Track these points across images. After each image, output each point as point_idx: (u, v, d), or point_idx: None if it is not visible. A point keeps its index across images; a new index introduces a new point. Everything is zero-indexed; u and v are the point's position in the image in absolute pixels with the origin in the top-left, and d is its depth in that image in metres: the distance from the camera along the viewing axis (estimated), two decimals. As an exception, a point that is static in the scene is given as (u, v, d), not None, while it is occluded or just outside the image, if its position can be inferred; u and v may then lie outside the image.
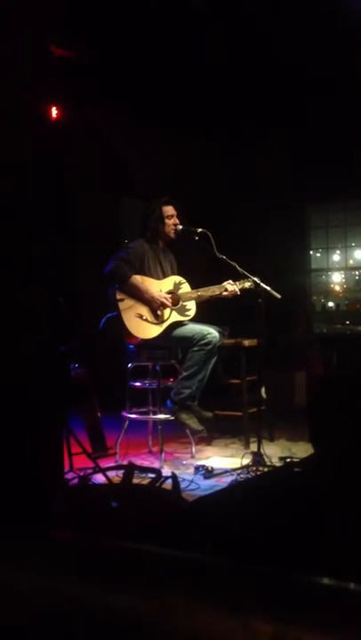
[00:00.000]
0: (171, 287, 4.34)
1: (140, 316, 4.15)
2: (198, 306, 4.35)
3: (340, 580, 0.74)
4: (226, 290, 4.31)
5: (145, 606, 0.70)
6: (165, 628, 0.69)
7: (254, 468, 3.86)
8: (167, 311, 4.23)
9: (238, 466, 3.93)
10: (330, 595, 0.71)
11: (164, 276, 4.38)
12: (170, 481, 2.99)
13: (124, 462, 4.07)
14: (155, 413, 4.41)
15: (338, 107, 6.44)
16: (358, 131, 6.53)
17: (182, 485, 3.43)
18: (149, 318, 4.18)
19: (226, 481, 3.71)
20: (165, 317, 4.22)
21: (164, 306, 4.20)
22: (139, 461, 4.24)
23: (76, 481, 3.33)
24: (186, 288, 4.37)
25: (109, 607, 0.72)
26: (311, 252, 8.19)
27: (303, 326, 6.45)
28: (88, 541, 0.90)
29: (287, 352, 6.34)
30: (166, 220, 4.35)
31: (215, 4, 4.83)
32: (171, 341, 4.24)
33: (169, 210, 4.37)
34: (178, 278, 4.40)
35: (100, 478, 3.43)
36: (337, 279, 8.43)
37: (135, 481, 3.29)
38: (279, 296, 4.09)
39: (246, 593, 0.70)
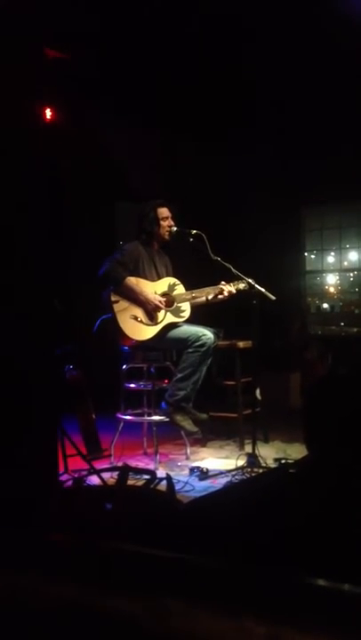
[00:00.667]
0: (165, 289, 4.34)
1: (135, 318, 4.15)
2: (193, 308, 4.36)
3: (335, 582, 0.75)
4: (221, 292, 4.31)
5: (141, 608, 0.71)
6: (161, 629, 0.69)
7: (249, 470, 3.87)
8: (162, 313, 4.24)
9: (233, 467, 3.94)
10: (324, 596, 0.71)
11: (159, 277, 4.38)
12: (165, 482, 2.99)
13: (119, 464, 4.07)
14: (149, 415, 4.41)
15: (334, 109, 6.46)
16: (354, 133, 6.55)
17: (177, 487, 3.44)
18: (144, 320, 4.18)
19: (221, 482, 3.72)
20: (160, 319, 4.23)
21: (157, 309, 4.21)
22: (133, 463, 4.25)
23: (70, 483, 3.33)
24: (180, 289, 4.38)
25: (106, 609, 0.72)
26: (306, 254, 8.20)
27: (299, 326, 6.45)
28: (84, 543, 0.91)
29: (283, 353, 6.34)
30: (161, 222, 4.37)
31: (215, 9, 4.83)
32: (165, 343, 4.25)
33: (164, 212, 4.39)
34: (172, 280, 4.40)
35: (94, 480, 3.43)
36: (331, 281, 8.45)
37: (130, 482, 3.29)
38: (274, 297, 4.10)
39: (241, 594, 0.70)
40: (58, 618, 0.74)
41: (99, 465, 3.84)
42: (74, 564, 0.82)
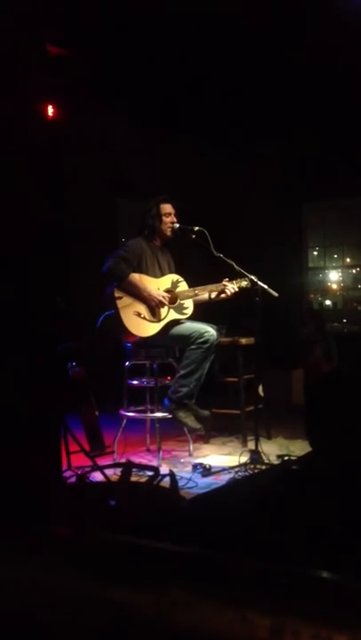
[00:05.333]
0: (168, 285, 4.34)
1: (138, 314, 4.15)
2: (196, 305, 4.36)
3: (338, 574, 0.75)
4: (223, 291, 4.31)
5: (144, 600, 0.71)
6: (164, 621, 0.69)
7: (252, 466, 3.87)
8: (165, 309, 4.23)
9: (236, 464, 3.94)
10: (327, 588, 0.71)
11: (162, 274, 4.38)
12: (168, 479, 2.99)
13: (122, 460, 4.07)
14: (152, 412, 4.41)
15: (336, 105, 6.44)
16: (356, 129, 6.54)
17: (180, 483, 3.43)
18: (147, 316, 4.18)
19: (224, 479, 3.72)
20: (163, 315, 4.23)
21: (161, 304, 4.20)
22: (137, 459, 4.25)
23: (74, 479, 3.33)
24: (183, 286, 4.38)
25: (108, 601, 0.72)
26: (308, 251, 8.19)
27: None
28: (87, 536, 0.91)
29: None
30: (164, 218, 4.36)
31: (215, 8, 4.82)
32: (168, 340, 4.25)
33: (166, 208, 4.38)
34: (175, 277, 4.40)
35: (98, 476, 3.43)
36: (334, 277, 8.43)
37: (133, 479, 3.29)
38: (276, 294, 4.09)
39: (245, 586, 0.70)
40: (59, 610, 0.75)
41: (102, 461, 3.85)
42: (77, 557, 0.82)
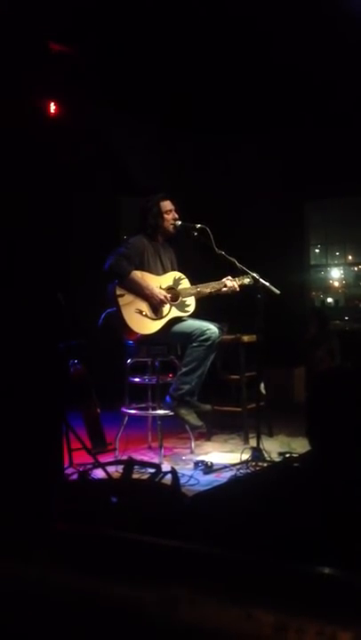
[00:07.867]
0: (170, 283, 4.33)
1: (140, 312, 4.15)
2: (198, 302, 4.36)
3: (340, 571, 0.75)
4: (225, 286, 4.31)
5: (148, 596, 0.71)
6: (168, 617, 0.69)
7: (253, 464, 3.87)
8: (167, 307, 4.23)
9: (238, 461, 3.94)
10: (331, 585, 0.71)
11: (164, 271, 4.38)
12: (169, 476, 2.99)
13: (124, 458, 4.08)
14: (154, 409, 4.41)
15: (338, 103, 6.43)
16: (357, 126, 6.53)
17: (182, 480, 3.44)
18: (149, 314, 4.18)
19: (225, 476, 3.72)
20: (165, 313, 4.22)
21: (163, 303, 4.20)
22: (138, 457, 4.25)
23: (75, 476, 3.34)
24: (185, 284, 4.37)
25: (112, 597, 0.72)
26: (310, 248, 8.19)
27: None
28: (90, 533, 0.91)
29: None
30: (165, 216, 4.35)
31: (215, 3, 4.82)
32: (170, 337, 4.25)
33: (167, 205, 4.37)
34: (177, 274, 4.40)
35: (99, 474, 3.43)
36: (336, 275, 8.43)
37: (135, 476, 3.29)
38: (278, 292, 4.09)
39: (249, 583, 0.71)
40: (63, 606, 0.75)
41: (103, 459, 3.85)
42: (81, 554, 0.83)
